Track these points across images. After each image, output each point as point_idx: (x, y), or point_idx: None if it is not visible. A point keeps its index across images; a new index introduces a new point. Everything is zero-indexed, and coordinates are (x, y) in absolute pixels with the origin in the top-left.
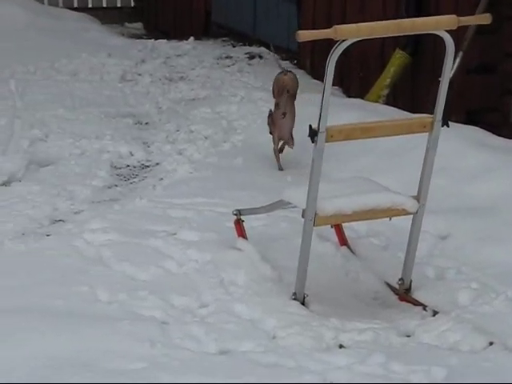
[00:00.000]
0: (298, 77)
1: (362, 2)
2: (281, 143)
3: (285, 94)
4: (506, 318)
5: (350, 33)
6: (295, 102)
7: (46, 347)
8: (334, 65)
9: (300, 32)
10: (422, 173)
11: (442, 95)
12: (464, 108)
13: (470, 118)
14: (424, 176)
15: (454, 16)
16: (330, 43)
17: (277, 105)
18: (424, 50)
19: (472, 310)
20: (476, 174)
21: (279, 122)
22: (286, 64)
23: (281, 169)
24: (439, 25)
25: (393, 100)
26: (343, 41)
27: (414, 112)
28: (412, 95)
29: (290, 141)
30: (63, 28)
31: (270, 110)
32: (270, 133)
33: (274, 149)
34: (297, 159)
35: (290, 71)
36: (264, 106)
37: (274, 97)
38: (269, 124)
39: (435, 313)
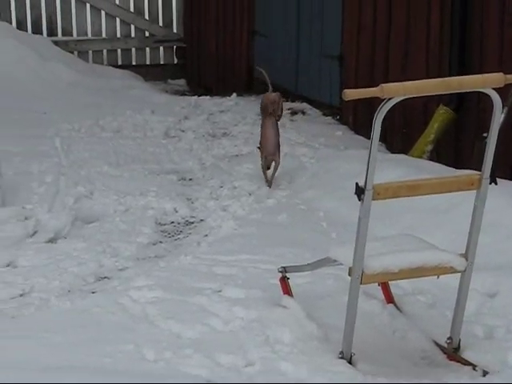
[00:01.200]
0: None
1: (404, 59)
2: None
3: (280, 103)
4: None
5: (396, 91)
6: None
7: None
8: (380, 123)
9: (347, 91)
10: (470, 230)
11: (489, 152)
12: (509, 163)
13: None
14: (472, 234)
15: (501, 74)
16: (372, 100)
17: (269, 116)
18: (468, 105)
19: None
20: None
21: (264, 139)
22: (329, 119)
23: (269, 186)
24: (486, 83)
25: (436, 156)
26: (389, 99)
27: (457, 168)
28: (456, 151)
29: (276, 157)
30: (108, 86)
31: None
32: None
33: (262, 165)
34: (342, 215)
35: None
36: (308, 161)
37: (263, 111)
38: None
39: (485, 373)
